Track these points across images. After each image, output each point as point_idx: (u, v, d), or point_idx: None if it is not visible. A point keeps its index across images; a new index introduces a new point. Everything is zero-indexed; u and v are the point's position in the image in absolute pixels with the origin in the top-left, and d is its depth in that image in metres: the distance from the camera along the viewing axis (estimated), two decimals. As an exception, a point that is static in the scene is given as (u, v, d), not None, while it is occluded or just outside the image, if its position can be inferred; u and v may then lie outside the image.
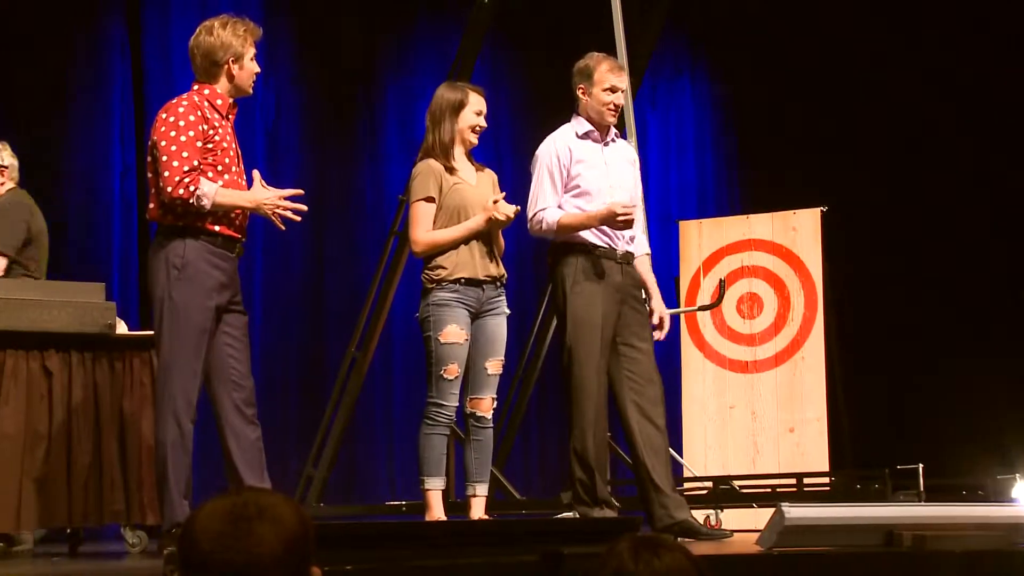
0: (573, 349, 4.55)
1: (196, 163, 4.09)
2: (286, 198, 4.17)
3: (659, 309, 4.70)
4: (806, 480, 5.90)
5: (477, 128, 4.54)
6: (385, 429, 7.58)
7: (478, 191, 4.51)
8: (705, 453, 6.48)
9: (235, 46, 4.23)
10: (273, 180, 7.07)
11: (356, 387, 6.52)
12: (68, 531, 4.82)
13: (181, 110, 4.15)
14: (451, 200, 4.46)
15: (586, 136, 4.71)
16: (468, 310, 4.41)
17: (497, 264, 4.49)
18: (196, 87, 4.25)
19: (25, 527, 4.48)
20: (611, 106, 4.67)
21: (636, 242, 4.76)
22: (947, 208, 7.96)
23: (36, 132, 6.51)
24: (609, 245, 4.63)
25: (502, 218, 4.43)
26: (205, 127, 4.14)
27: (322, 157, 7.50)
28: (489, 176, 4.64)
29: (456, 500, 5.67)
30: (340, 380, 6.55)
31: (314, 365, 7.33)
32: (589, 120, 4.70)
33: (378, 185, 7.72)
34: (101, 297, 4.76)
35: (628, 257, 4.68)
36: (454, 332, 4.36)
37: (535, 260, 7.44)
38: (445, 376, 4.36)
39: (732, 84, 8.55)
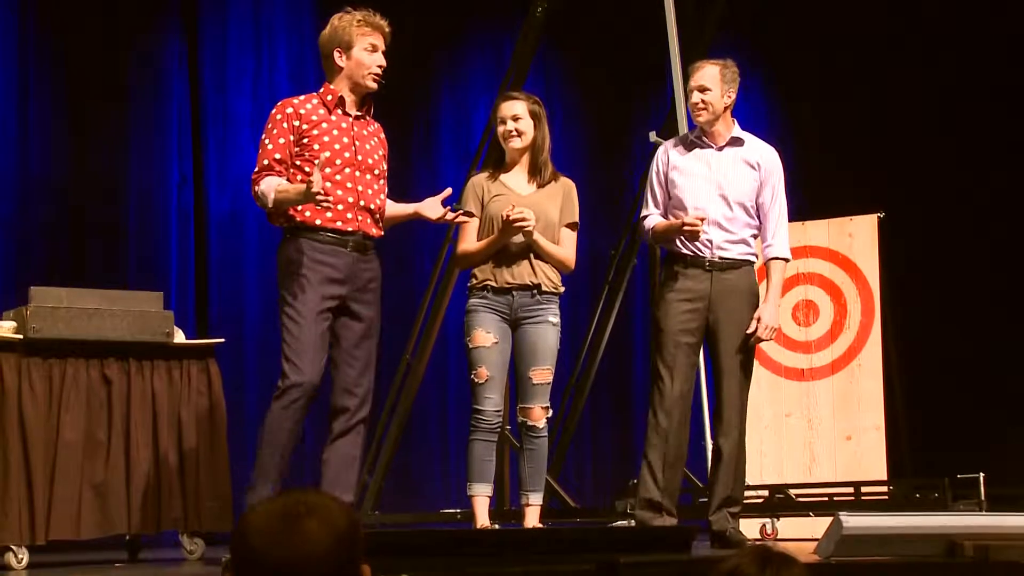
0: (653, 351, 4.65)
1: (267, 162, 4.18)
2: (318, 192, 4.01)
3: (760, 310, 4.63)
4: (864, 489, 5.84)
5: (506, 136, 4.54)
6: (440, 436, 7.57)
7: (525, 202, 4.48)
8: (760, 461, 6.41)
9: (343, 36, 4.25)
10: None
11: (411, 394, 6.52)
12: (127, 538, 4.86)
13: (272, 111, 4.26)
14: (489, 211, 4.51)
15: (695, 142, 4.73)
16: (499, 315, 4.44)
17: (534, 273, 4.46)
18: (322, 86, 4.30)
19: (85, 534, 4.52)
20: (695, 108, 4.71)
21: (766, 248, 4.74)
22: (1008, 213, 7.84)
23: (94, 143, 6.58)
24: (695, 252, 4.62)
25: (512, 225, 4.39)
26: (299, 123, 4.18)
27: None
28: (561, 187, 4.58)
29: (511, 508, 5.66)
30: (395, 387, 6.56)
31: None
32: (699, 127, 4.75)
33: (433, 193, 7.71)
34: (159, 306, 4.81)
35: (723, 264, 4.64)
36: (480, 336, 4.42)
37: (588, 269, 7.41)
38: (476, 380, 4.42)
39: (787, 90, 8.47)
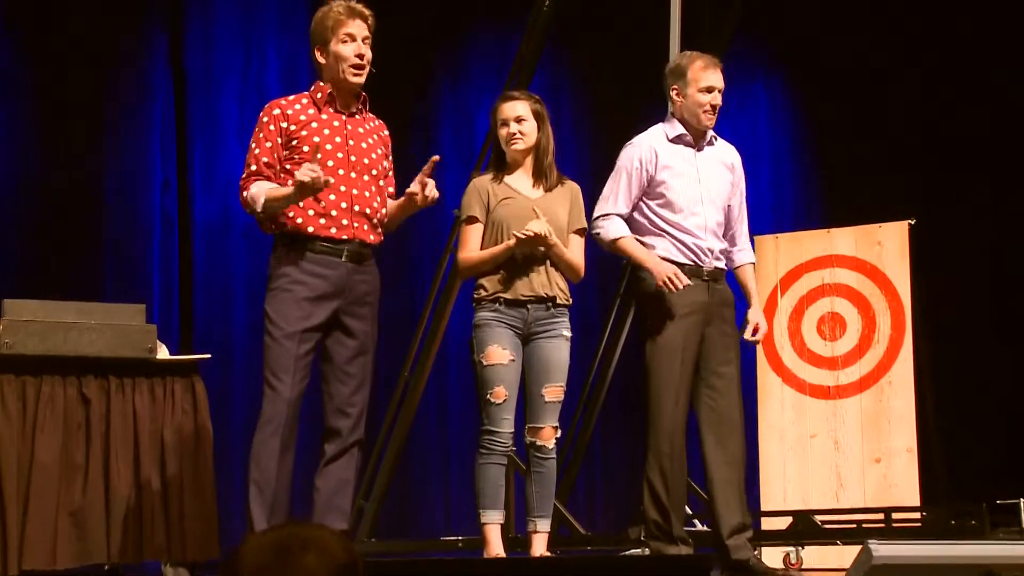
0: (651, 373, 4.59)
1: (255, 167, 4.19)
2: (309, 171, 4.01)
3: (754, 316, 4.73)
4: (895, 515, 5.85)
5: (509, 138, 4.52)
6: (441, 458, 7.56)
7: (535, 206, 4.48)
8: (784, 485, 6.40)
9: (319, 31, 4.27)
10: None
11: (409, 413, 6.51)
12: (106, 568, 4.84)
13: (260, 114, 4.28)
14: (496, 216, 4.49)
15: (678, 140, 4.70)
16: (513, 330, 4.42)
17: (550, 284, 4.46)
18: (312, 85, 4.32)
19: (61, 564, 4.49)
20: (707, 107, 4.66)
21: (739, 252, 4.82)
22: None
23: (73, 145, 6.58)
24: (695, 262, 4.62)
25: (527, 236, 4.37)
26: (287, 124, 4.19)
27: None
28: (567, 190, 4.59)
29: (517, 536, 5.64)
30: (392, 406, 6.55)
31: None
32: (683, 123, 4.70)
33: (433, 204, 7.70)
34: (141, 319, 4.78)
35: (716, 274, 4.66)
36: (496, 352, 4.39)
37: (598, 275, 7.40)
38: (493, 400, 4.38)
39: (811, 89, 8.46)
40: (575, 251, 4.54)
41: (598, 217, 4.69)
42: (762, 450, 6.49)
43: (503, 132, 4.54)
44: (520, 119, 4.52)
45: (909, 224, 6.41)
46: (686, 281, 4.52)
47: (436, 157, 4.29)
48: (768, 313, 6.60)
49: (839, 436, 6.37)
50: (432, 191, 4.29)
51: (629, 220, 4.72)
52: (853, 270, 6.49)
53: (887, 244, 6.44)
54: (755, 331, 4.71)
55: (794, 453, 6.45)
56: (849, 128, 8.19)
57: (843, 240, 6.56)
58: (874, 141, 8.11)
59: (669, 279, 4.52)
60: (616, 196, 4.69)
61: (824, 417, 6.42)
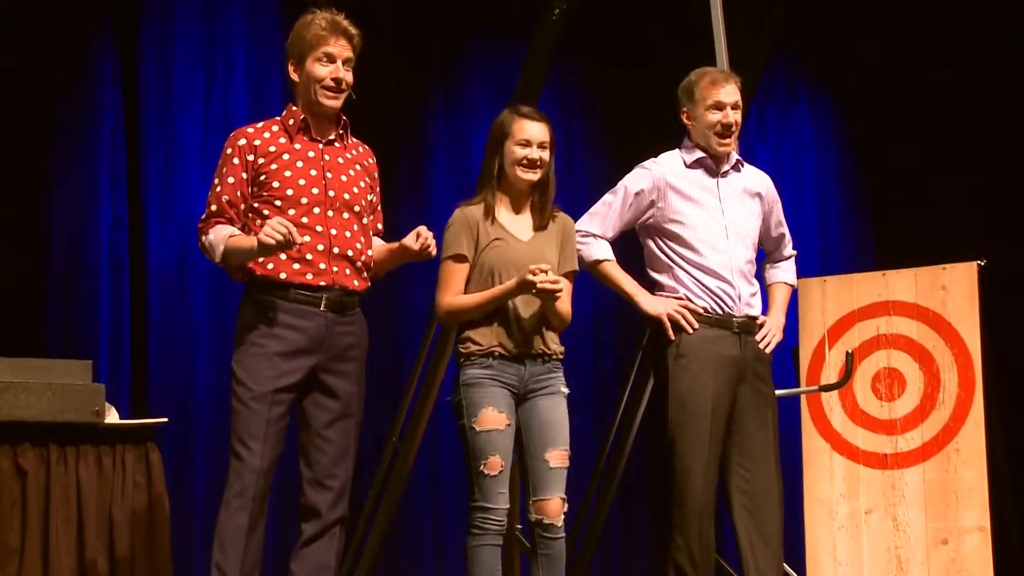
0: (676, 439, 4.58)
1: (215, 208, 4.20)
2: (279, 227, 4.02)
3: (768, 320, 4.77)
4: (965, 605, 5.81)
5: (524, 162, 4.46)
6: (433, 538, 7.56)
7: (527, 249, 4.46)
8: (835, 570, 6.37)
9: (295, 44, 4.28)
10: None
11: (399, 484, 6.49)
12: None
13: (224, 146, 4.28)
14: (485, 259, 4.46)
15: (696, 165, 4.72)
16: (509, 389, 4.41)
17: (546, 339, 4.46)
18: (284, 108, 4.34)
19: (-8, 665, 4.48)
20: (717, 128, 4.67)
21: (772, 270, 4.92)
22: None
23: (7, 179, 6.56)
24: (724, 311, 4.61)
25: (545, 288, 4.30)
26: (253, 157, 4.20)
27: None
28: (559, 226, 4.56)
29: (523, 630, 5.62)
30: (379, 475, 6.53)
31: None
32: (700, 148, 4.71)
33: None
34: (87, 378, 4.80)
35: (748, 324, 4.64)
36: (491, 416, 4.38)
37: (617, 323, 7.38)
38: (486, 472, 4.36)
39: (862, 110, 8.48)
40: (563, 297, 4.48)
41: (582, 232, 4.72)
42: (808, 528, 6.48)
43: (518, 153, 4.46)
44: (544, 145, 4.48)
45: (979, 265, 6.40)
46: (692, 319, 4.59)
47: None
48: (814, 368, 6.59)
49: (899, 512, 6.35)
50: (432, 246, 4.32)
51: (647, 257, 4.80)
52: (913, 319, 6.48)
53: (953, 288, 6.43)
54: (766, 335, 4.74)
55: (846, 532, 6.42)
56: (905, 154, 8.19)
57: (901, 284, 6.56)
58: (935, 169, 8.11)
59: (671, 316, 4.58)
60: (605, 218, 4.75)
61: (881, 490, 6.41)
